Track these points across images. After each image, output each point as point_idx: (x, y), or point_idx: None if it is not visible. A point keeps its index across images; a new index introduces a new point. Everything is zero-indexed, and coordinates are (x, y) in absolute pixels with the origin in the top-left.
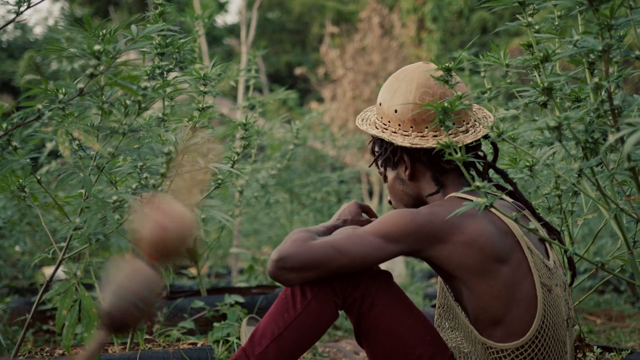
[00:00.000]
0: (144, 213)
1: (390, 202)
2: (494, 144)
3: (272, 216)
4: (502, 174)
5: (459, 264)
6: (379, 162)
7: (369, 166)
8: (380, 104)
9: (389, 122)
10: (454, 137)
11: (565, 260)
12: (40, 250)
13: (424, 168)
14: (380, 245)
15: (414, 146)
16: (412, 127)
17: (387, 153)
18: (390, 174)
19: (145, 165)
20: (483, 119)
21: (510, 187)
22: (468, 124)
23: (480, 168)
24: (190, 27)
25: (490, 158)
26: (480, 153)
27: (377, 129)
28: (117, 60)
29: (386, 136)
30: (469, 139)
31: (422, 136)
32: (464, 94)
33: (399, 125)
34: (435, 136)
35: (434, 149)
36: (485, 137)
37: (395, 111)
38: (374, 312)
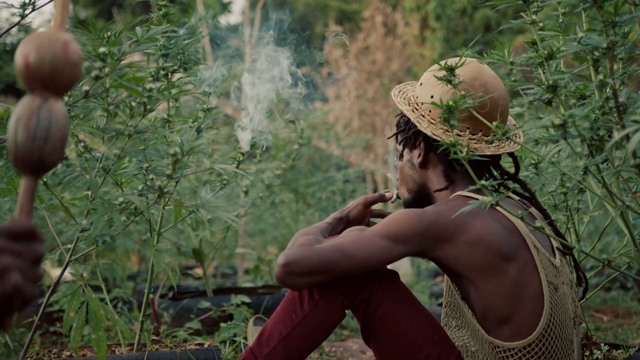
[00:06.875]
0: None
1: (397, 180)
2: (514, 158)
3: (278, 216)
4: (522, 183)
5: (466, 263)
6: (399, 139)
7: (388, 138)
8: (421, 84)
9: (422, 104)
10: (476, 143)
11: (574, 265)
12: (47, 252)
13: (436, 161)
14: (387, 247)
15: (433, 136)
16: (440, 117)
17: (409, 133)
18: (406, 155)
19: (151, 167)
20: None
21: (516, 185)
22: (496, 136)
23: (490, 175)
24: (194, 28)
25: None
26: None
27: (409, 106)
28: (122, 62)
29: (413, 117)
30: (489, 150)
31: (446, 130)
32: (467, 93)
33: (430, 111)
34: (459, 135)
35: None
36: (511, 154)
37: (432, 96)
38: (380, 312)
